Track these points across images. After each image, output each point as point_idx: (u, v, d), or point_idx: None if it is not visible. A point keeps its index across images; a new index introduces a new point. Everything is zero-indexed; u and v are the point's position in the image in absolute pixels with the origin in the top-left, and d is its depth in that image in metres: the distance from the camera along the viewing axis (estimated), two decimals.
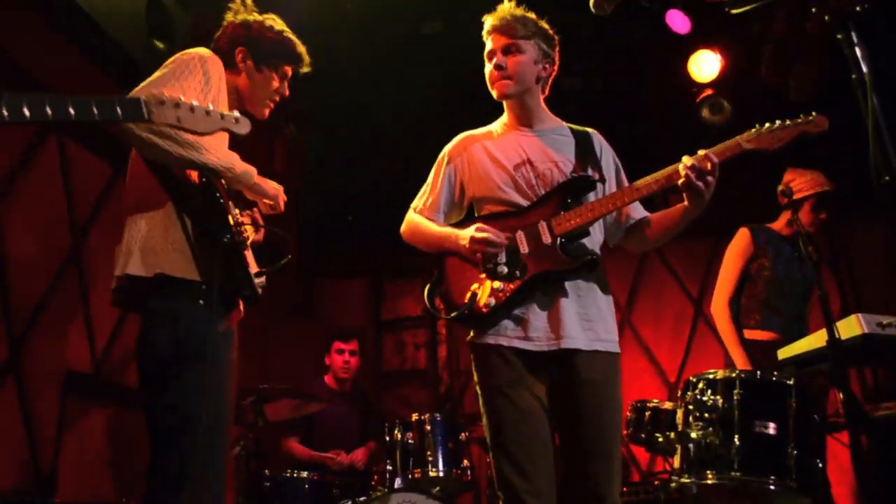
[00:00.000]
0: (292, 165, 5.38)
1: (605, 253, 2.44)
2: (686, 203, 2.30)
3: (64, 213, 4.00)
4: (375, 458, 4.64)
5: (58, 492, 3.69)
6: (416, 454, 3.76)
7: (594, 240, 2.40)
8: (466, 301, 2.31)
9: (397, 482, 3.76)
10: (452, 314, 2.34)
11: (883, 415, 4.00)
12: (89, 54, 3.60)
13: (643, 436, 3.17)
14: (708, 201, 2.26)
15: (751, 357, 3.59)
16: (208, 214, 2.07)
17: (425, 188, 2.58)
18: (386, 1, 4.54)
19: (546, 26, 2.48)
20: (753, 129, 2.27)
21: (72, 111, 1.59)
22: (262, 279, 2.20)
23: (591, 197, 2.37)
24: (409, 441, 3.79)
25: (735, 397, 2.79)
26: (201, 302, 2.02)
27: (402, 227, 2.58)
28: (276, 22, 2.39)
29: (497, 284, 2.29)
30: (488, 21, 2.46)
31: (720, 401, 2.81)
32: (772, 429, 2.75)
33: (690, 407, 2.87)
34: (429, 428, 3.77)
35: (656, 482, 4.22)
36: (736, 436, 2.73)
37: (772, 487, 2.70)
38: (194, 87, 2.06)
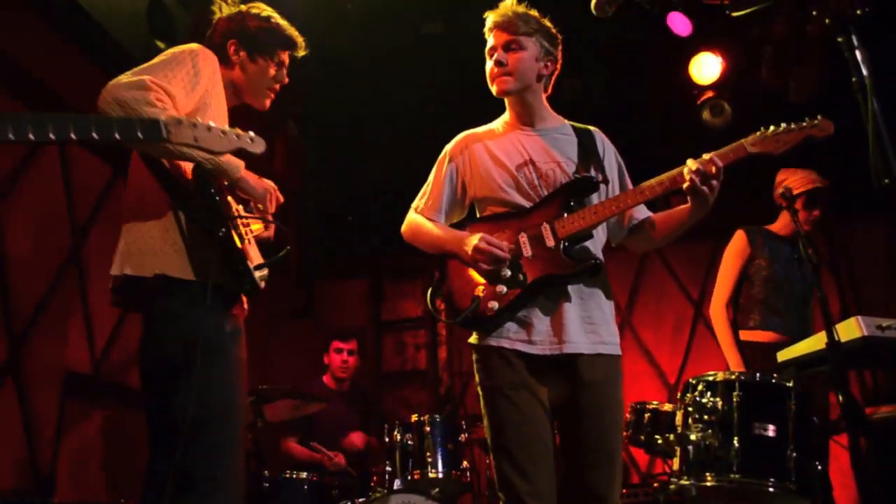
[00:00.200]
0: (292, 165, 5.38)
1: (606, 253, 2.43)
2: (690, 205, 2.29)
3: (64, 214, 4.00)
4: (375, 452, 4.64)
5: (56, 492, 3.69)
6: (416, 455, 3.75)
7: (597, 241, 2.39)
8: (470, 304, 2.30)
9: (396, 483, 3.76)
10: (458, 319, 2.32)
11: (882, 417, 4.00)
12: (90, 54, 3.60)
13: (643, 437, 3.18)
14: (712, 204, 2.25)
15: (751, 359, 3.58)
16: (207, 212, 2.07)
17: (426, 188, 2.55)
18: (386, 1, 4.54)
19: (549, 24, 2.46)
20: (758, 133, 2.24)
21: (95, 135, 1.65)
22: (265, 272, 2.19)
23: (594, 198, 2.36)
24: (409, 442, 3.78)
25: (735, 399, 2.79)
26: (206, 302, 2.02)
27: (403, 228, 2.56)
28: (261, 9, 2.37)
29: (500, 288, 2.28)
30: (490, 18, 2.45)
31: (720, 403, 2.81)
32: (771, 431, 2.75)
33: (690, 409, 2.87)
34: (428, 429, 3.77)
35: (655, 484, 4.21)
36: (735, 438, 2.73)
37: (771, 489, 2.70)
38: (182, 77, 2.05)
